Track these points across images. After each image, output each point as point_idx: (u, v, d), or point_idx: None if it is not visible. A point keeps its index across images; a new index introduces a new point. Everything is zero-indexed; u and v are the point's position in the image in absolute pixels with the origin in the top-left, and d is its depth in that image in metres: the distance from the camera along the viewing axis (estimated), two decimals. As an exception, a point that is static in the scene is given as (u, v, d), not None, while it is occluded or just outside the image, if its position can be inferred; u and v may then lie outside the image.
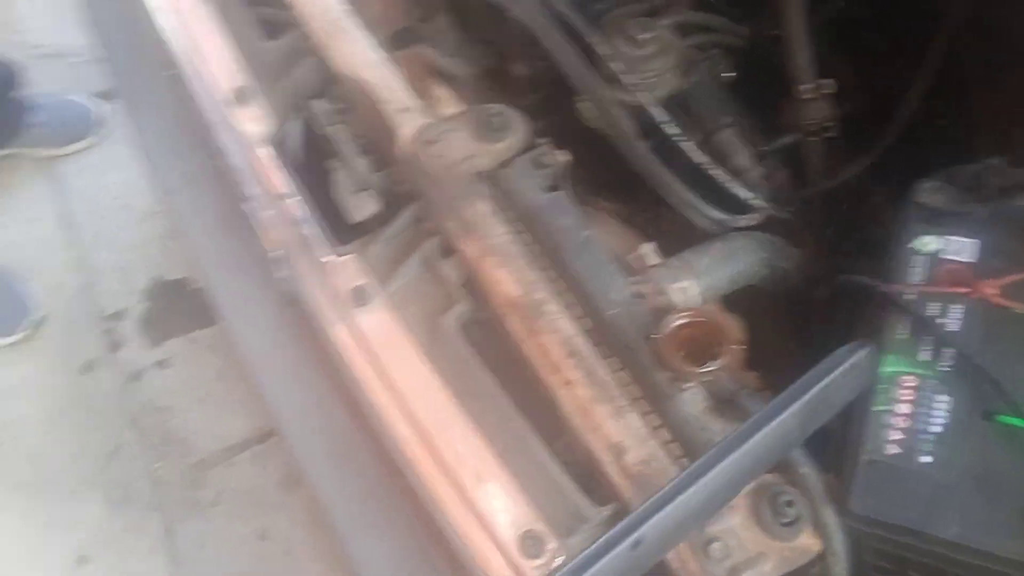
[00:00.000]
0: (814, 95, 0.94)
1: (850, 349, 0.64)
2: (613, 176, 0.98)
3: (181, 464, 1.75)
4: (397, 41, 1.03)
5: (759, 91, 0.96)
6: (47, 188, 2.02)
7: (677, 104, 0.90)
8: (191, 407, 1.79)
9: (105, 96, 2.03)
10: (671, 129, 0.84)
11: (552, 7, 0.86)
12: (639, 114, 0.86)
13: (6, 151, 2.02)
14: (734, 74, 0.93)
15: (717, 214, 0.82)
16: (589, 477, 0.76)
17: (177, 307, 1.87)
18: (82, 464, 1.74)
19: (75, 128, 2.05)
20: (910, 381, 0.66)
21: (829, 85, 0.94)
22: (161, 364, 1.83)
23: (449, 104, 1.04)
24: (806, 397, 0.61)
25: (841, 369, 0.63)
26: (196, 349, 1.84)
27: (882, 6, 1.08)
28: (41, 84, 2.09)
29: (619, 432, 0.71)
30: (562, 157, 0.85)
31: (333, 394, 1.01)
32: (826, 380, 0.62)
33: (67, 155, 2.04)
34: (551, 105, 1.00)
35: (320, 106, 0.90)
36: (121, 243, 1.93)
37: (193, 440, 1.76)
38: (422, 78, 1.03)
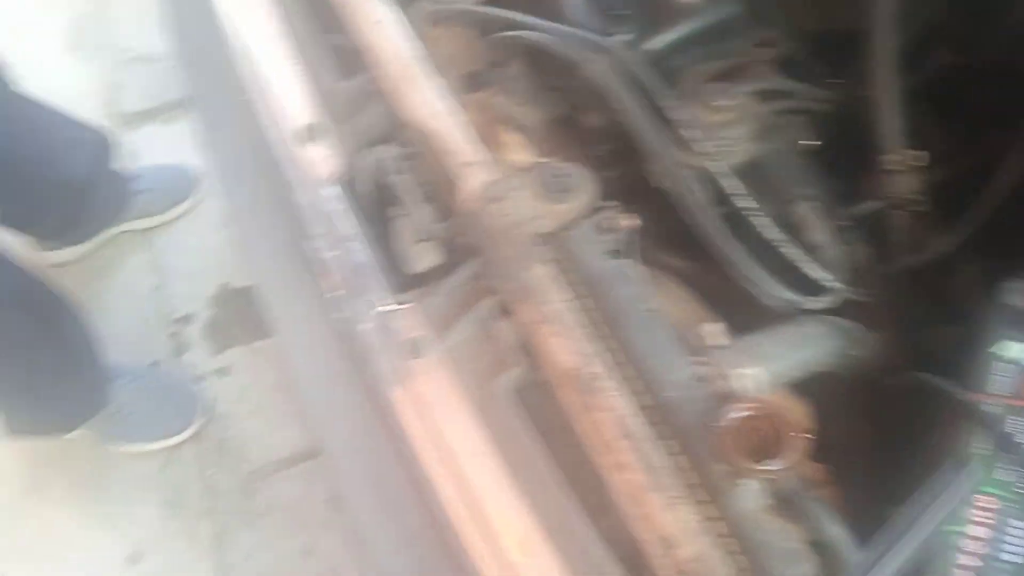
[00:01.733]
0: (902, 167, 0.89)
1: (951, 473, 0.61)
2: (682, 235, 0.95)
3: (234, 473, 1.77)
4: (468, 84, 1.01)
5: (841, 158, 0.91)
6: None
7: (752, 172, 0.86)
8: (247, 417, 1.82)
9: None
10: (744, 202, 0.80)
11: (626, 66, 0.83)
12: (711, 181, 0.83)
13: (115, 230, 1.96)
14: (817, 143, 0.88)
15: (789, 295, 0.78)
16: (633, 564, 0.73)
17: (242, 315, 1.90)
18: (142, 464, 1.79)
19: (177, 191, 1.99)
20: (987, 502, 0.62)
21: (921, 157, 0.88)
22: (221, 372, 1.86)
23: (517, 151, 1.02)
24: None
25: (940, 499, 0.59)
26: (256, 359, 1.86)
27: (987, 69, 1.02)
28: (135, 89, 2.15)
29: (671, 524, 0.68)
30: (628, 222, 0.82)
31: (381, 436, 1.01)
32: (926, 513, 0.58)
33: (170, 221, 1.99)
34: (622, 158, 0.97)
35: (386, 152, 0.89)
36: (193, 247, 1.97)
37: (247, 450, 1.79)
38: (491, 123, 1.01)
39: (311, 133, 0.99)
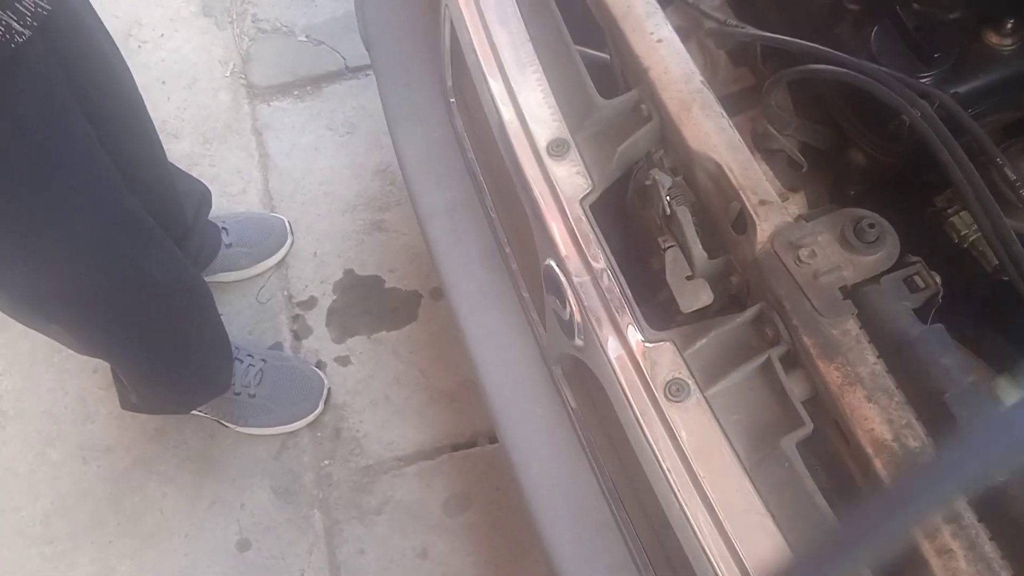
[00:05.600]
0: None
1: None
2: (968, 303, 0.89)
3: (349, 465, 1.73)
4: (727, 105, 0.96)
5: None
6: (253, 162, 2.03)
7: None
8: (366, 409, 1.78)
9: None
10: (1076, 274, 0.74)
11: (951, 112, 0.77)
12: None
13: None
14: None
15: None
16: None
17: (366, 305, 1.85)
18: (255, 449, 1.75)
19: (264, 247, 1.89)
20: None
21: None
22: (342, 360, 1.82)
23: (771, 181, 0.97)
24: None
25: None
26: (378, 351, 1.82)
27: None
28: (267, 61, 2.10)
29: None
30: (936, 279, 0.76)
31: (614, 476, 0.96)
32: None
33: (258, 275, 1.91)
34: (878, 199, 0.91)
35: (663, 178, 0.83)
36: (319, 231, 1.92)
37: (364, 443, 1.75)
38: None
39: (557, 148, 0.93)
